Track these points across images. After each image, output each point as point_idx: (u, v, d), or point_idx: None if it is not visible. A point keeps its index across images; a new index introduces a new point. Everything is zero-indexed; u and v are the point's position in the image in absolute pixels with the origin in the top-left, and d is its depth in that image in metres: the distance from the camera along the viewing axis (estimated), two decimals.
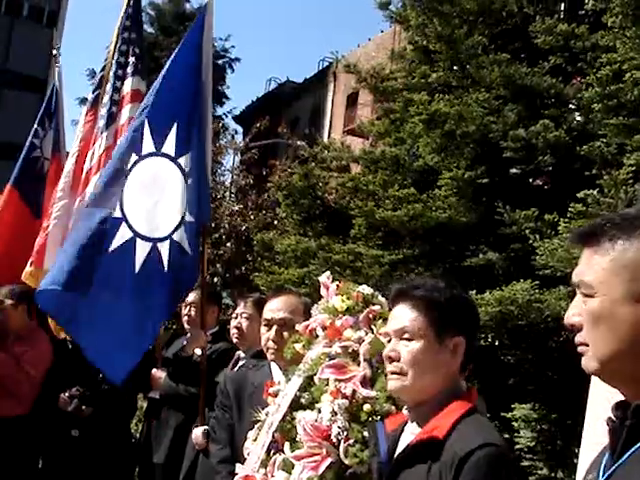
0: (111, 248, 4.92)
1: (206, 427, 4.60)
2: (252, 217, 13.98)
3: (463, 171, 7.71)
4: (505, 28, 8.67)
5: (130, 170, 5.10)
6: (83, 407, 5.57)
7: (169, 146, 5.15)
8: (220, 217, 13.62)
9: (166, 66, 5.40)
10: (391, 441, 2.30)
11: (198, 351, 5.10)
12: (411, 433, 2.26)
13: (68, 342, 6.10)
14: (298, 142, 16.52)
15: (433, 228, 7.95)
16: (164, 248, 4.97)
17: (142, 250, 4.95)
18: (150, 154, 5.16)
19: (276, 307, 3.50)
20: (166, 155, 5.15)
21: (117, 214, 4.99)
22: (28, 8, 46.55)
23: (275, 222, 13.48)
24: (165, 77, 5.34)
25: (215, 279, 13.45)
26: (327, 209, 9.63)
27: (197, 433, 4.74)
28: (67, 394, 5.60)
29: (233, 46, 39.51)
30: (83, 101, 34.86)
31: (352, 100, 28.16)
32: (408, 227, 8.05)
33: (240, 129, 29.59)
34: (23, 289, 5.90)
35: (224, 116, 32.74)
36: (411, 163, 8.77)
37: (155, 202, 5.08)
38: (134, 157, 5.13)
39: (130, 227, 4.98)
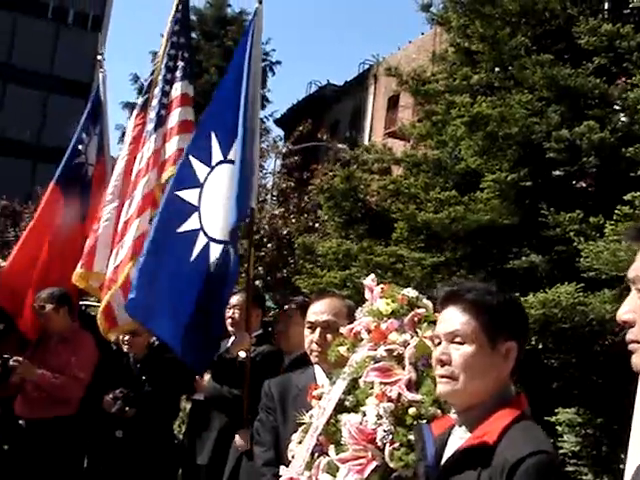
0: (192, 258, 5.17)
1: (250, 429, 4.62)
2: (294, 220, 14.01)
3: (506, 173, 7.65)
4: (548, 29, 8.58)
5: (204, 183, 5.31)
6: (126, 408, 5.61)
7: (234, 152, 5.31)
8: (261, 220, 13.68)
9: (226, 75, 5.57)
10: (438, 445, 2.28)
11: (242, 353, 5.13)
12: (459, 437, 2.24)
13: (112, 344, 6.17)
14: (339, 145, 16.51)
15: (475, 230, 7.90)
16: (231, 249, 5.17)
17: (215, 252, 5.17)
18: (219, 162, 5.36)
19: (320, 310, 3.51)
20: (232, 161, 5.31)
21: (196, 226, 5.22)
22: (73, 14, 47.27)
23: (316, 225, 13.50)
24: (225, 85, 5.57)
25: (257, 282, 13.50)
26: (368, 212, 9.62)
27: (240, 434, 4.76)
28: (111, 396, 5.66)
29: (274, 49, 39.71)
30: (127, 105, 35.34)
31: (393, 103, 28.10)
32: (450, 230, 8.01)
33: (281, 132, 29.71)
34: (63, 292, 5.97)
35: (265, 119, 32.91)
36: (453, 165, 8.73)
37: (223, 206, 5.24)
38: (206, 169, 5.34)
39: (205, 234, 5.21)
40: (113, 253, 5.91)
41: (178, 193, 5.30)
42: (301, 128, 17.66)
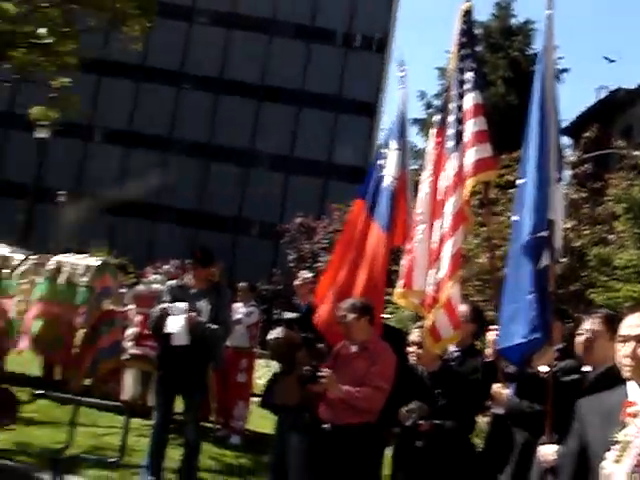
0: (541, 266, 5.16)
1: (554, 445, 4.53)
2: (586, 232, 13.49)
3: None
4: None
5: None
6: (421, 422, 5.69)
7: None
8: None
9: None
10: None
11: (544, 368, 5.05)
12: None
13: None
14: (634, 152, 15.63)
15: None
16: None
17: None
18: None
19: (634, 323, 3.34)
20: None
21: (545, 233, 5.20)
22: (360, 38, 49.48)
23: (610, 236, 12.91)
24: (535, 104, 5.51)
25: None
26: None
27: (543, 451, 4.68)
28: (406, 409, 5.75)
29: (561, 57, 38.47)
30: (416, 122, 36.10)
31: None
32: None
33: (567, 141, 28.80)
34: (364, 302, 6.20)
35: None
36: None
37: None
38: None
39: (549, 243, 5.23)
40: (432, 272, 6.05)
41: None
42: (587, 134, 16.98)
